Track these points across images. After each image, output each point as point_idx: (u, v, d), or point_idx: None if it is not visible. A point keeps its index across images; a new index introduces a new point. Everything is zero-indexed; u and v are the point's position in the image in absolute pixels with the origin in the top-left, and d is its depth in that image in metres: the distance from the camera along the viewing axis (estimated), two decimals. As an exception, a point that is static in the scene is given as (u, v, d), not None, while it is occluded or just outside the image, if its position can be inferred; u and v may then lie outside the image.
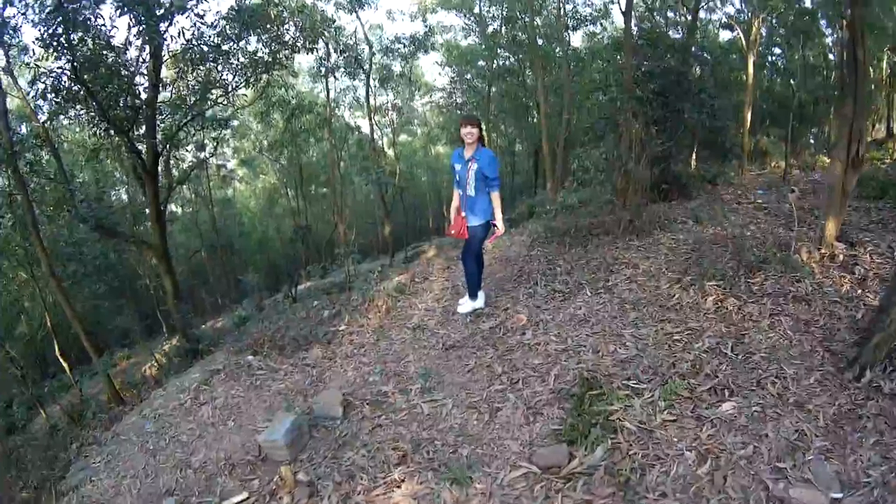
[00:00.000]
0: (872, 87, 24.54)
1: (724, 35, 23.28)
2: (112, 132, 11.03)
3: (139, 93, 11.19)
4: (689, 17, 15.85)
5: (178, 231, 28.65)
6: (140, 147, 11.82)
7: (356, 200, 33.11)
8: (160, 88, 11.89)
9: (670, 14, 19.64)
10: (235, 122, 25.30)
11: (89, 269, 14.33)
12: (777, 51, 24.57)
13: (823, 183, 11.87)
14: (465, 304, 6.70)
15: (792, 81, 22.47)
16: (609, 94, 11.29)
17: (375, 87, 24.86)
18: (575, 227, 8.99)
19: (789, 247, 6.17)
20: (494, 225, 6.02)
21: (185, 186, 27.53)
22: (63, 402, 10.87)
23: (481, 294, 6.69)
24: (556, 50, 21.88)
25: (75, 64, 9.41)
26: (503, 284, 7.51)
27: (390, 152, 31.33)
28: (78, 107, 10.75)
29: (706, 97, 10.96)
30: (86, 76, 9.74)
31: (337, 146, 26.59)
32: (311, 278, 25.03)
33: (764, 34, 20.03)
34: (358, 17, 21.11)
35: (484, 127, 6.11)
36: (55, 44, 9.09)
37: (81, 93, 10.03)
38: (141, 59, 11.24)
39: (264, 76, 13.45)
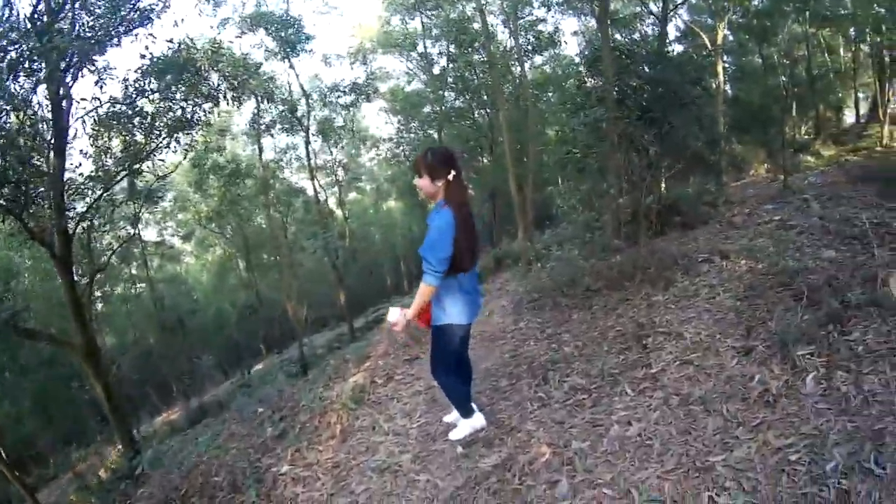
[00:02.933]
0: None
1: (677, 48, 22.82)
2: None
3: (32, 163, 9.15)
4: (658, 26, 14.80)
5: (125, 315, 26.66)
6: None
7: (308, 267, 31.10)
8: (68, 157, 10.04)
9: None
10: (168, 195, 23.50)
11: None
12: (726, 57, 24.38)
13: (826, 185, 10.65)
14: (460, 428, 4.48)
15: (783, 78, 21.71)
16: (589, 115, 9.76)
17: (318, 142, 23.41)
18: (570, 283, 7.16)
19: (869, 279, 4.64)
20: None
21: (131, 265, 25.74)
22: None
23: (476, 409, 4.51)
24: (508, 85, 20.72)
25: None
26: (495, 381, 5.32)
27: (339, 212, 29.73)
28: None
29: (696, 108, 9.45)
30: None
31: (282, 211, 24.86)
32: (271, 354, 23.19)
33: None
34: (291, 65, 19.61)
35: (439, 169, 3.74)
36: None
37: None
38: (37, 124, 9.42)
39: (185, 137, 11.56)
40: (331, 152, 26.13)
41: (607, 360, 4.93)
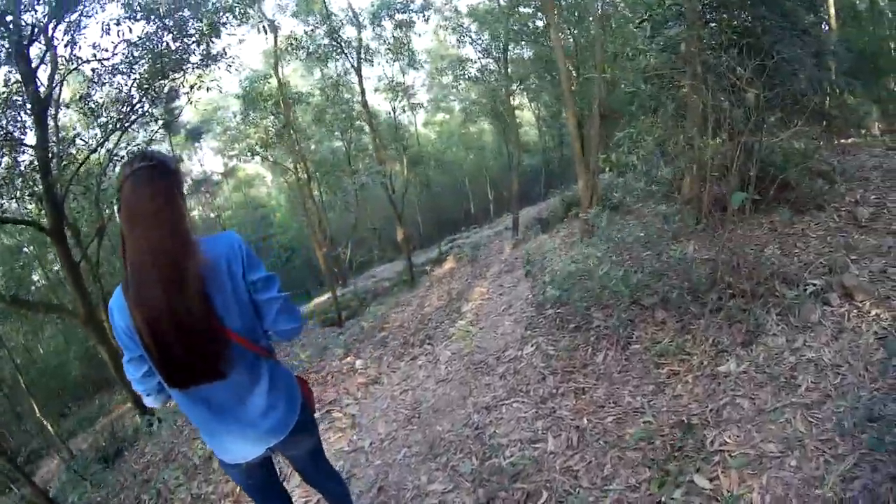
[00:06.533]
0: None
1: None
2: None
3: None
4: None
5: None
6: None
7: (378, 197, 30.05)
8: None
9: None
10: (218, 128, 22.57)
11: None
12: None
13: None
14: None
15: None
16: (662, 35, 7.14)
17: (388, 65, 21.78)
18: (611, 293, 4.93)
19: None
20: None
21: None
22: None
23: None
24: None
25: None
26: (422, 488, 3.75)
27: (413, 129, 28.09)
28: None
29: (814, 40, 6.66)
30: None
31: (347, 139, 23.77)
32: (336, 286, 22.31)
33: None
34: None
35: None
36: None
37: None
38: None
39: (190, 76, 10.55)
40: (402, 73, 24.30)
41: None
